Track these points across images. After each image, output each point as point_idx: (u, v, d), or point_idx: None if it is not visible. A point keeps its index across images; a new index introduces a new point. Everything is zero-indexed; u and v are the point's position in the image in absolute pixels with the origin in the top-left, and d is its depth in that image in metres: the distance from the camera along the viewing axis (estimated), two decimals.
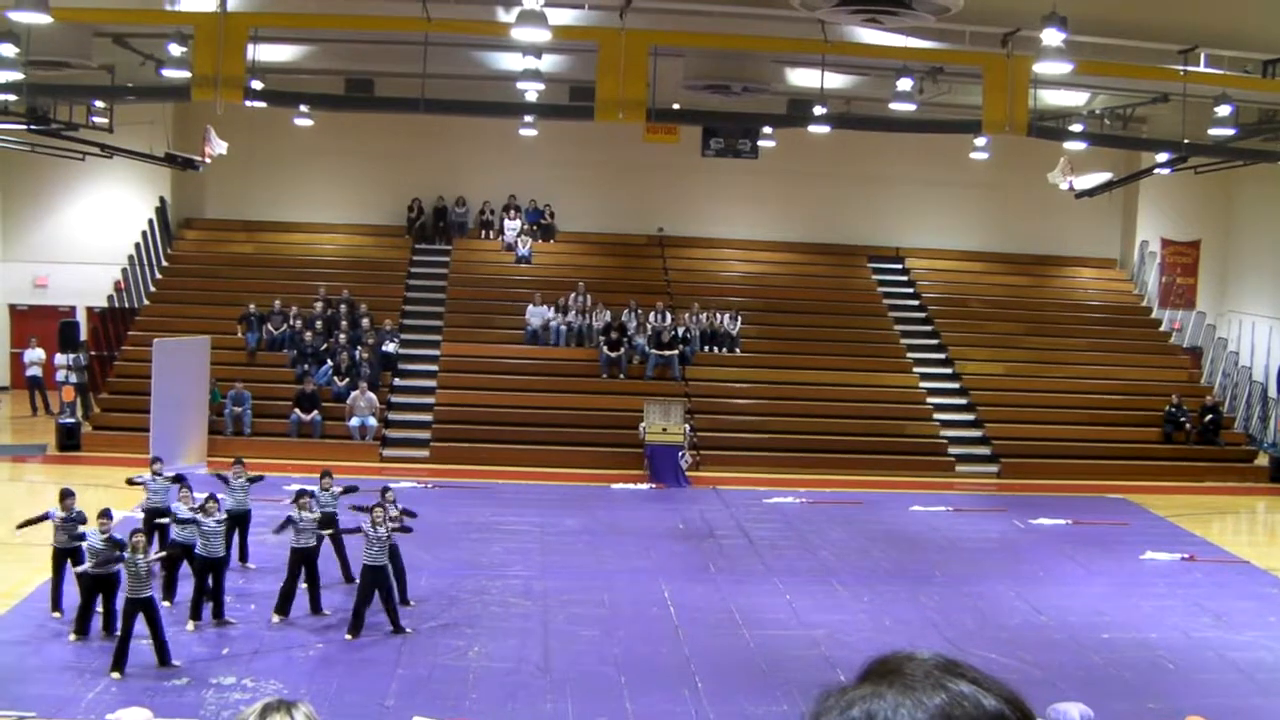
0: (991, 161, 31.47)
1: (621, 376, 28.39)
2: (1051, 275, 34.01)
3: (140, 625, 13.06)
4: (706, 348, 29.39)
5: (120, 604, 13.42)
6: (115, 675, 12.82)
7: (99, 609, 14.04)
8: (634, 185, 32.98)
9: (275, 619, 14.96)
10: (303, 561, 15.19)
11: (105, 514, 13.97)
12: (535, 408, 27.01)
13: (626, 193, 33.12)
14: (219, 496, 15.93)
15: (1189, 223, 33.66)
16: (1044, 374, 29.74)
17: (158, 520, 16.22)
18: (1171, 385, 29.43)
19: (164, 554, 15.29)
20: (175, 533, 15.40)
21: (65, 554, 14.59)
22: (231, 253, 31.77)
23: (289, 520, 15.26)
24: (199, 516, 14.89)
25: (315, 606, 15.25)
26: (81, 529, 14.55)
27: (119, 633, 13.08)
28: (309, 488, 16.25)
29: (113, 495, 18.62)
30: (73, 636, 13.89)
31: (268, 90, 23.37)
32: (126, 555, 13.19)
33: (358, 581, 15.38)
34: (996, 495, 25.09)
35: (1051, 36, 17.16)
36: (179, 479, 16.85)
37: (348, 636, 14.49)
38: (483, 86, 25.68)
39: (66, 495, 15.02)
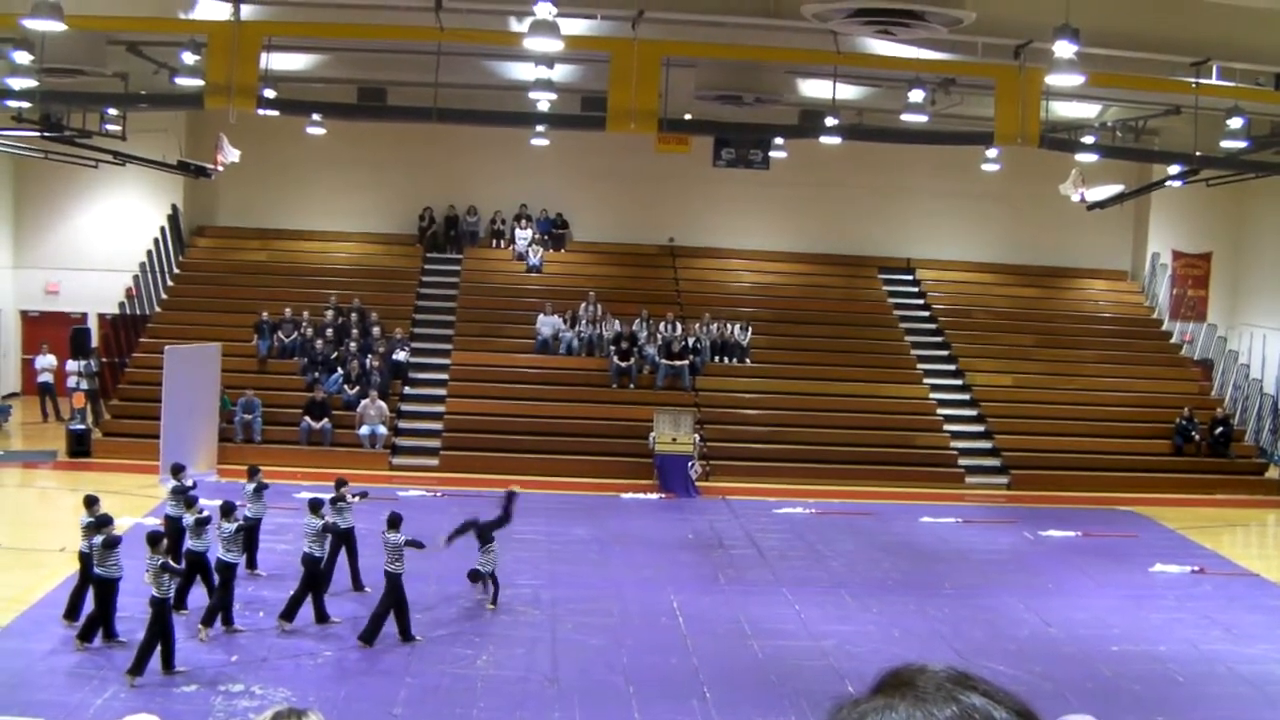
0: (1003, 173, 31.44)
1: (632, 386, 28.37)
2: (1062, 287, 33.95)
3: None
4: (717, 358, 29.38)
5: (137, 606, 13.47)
6: (131, 679, 12.81)
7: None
8: (645, 195, 32.99)
9: (284, 625, 14.98)
10: (309, 567, 15.22)
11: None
12: (545, 417, 27.02)
13: (637, 203, 33.13)
14: (237, 503, 15.97)
15: (1200, 235, 33.60)
16: (1054, 385, 29.65)
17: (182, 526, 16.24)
18: (1182, 398, 29.35)
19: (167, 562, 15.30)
20: (189, 542, 15.38)
21: (90, 559, 14.43)
22: (243, 260, 31.84)
23: (327, 526, 15.40)
24: (223, 523, 14.91)
25: (319, 616, 15.22)
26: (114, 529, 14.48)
27: (143, 636, 13.10)
28: (319, 495, 16.29)
29: (124, 502, 18.66)
30: (77, 643, 13.92)
31: (280, 99, 23.46)
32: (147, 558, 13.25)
33: (368, 590, 15.34)
34: (1006, 507, 25.02)
35: (1064, 48, 17.13)
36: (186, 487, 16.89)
37: (361, 644, 14.48)
38: (495, 96, 25.76)
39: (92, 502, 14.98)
